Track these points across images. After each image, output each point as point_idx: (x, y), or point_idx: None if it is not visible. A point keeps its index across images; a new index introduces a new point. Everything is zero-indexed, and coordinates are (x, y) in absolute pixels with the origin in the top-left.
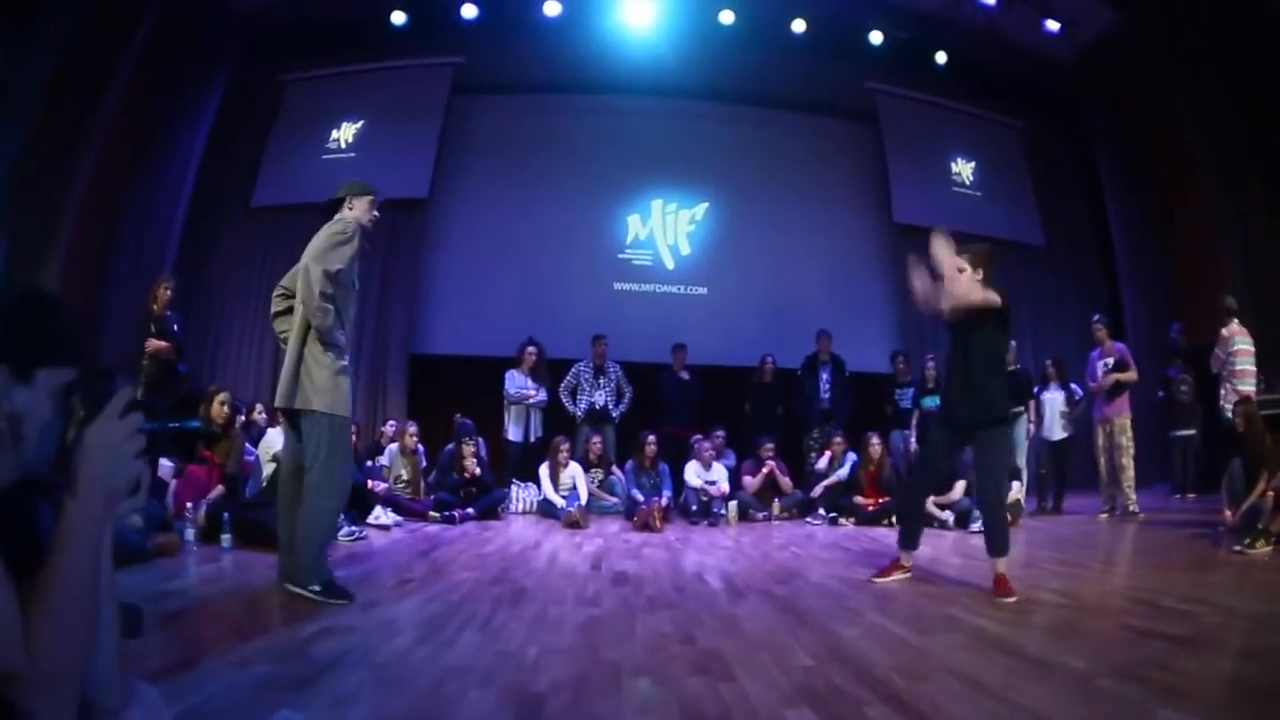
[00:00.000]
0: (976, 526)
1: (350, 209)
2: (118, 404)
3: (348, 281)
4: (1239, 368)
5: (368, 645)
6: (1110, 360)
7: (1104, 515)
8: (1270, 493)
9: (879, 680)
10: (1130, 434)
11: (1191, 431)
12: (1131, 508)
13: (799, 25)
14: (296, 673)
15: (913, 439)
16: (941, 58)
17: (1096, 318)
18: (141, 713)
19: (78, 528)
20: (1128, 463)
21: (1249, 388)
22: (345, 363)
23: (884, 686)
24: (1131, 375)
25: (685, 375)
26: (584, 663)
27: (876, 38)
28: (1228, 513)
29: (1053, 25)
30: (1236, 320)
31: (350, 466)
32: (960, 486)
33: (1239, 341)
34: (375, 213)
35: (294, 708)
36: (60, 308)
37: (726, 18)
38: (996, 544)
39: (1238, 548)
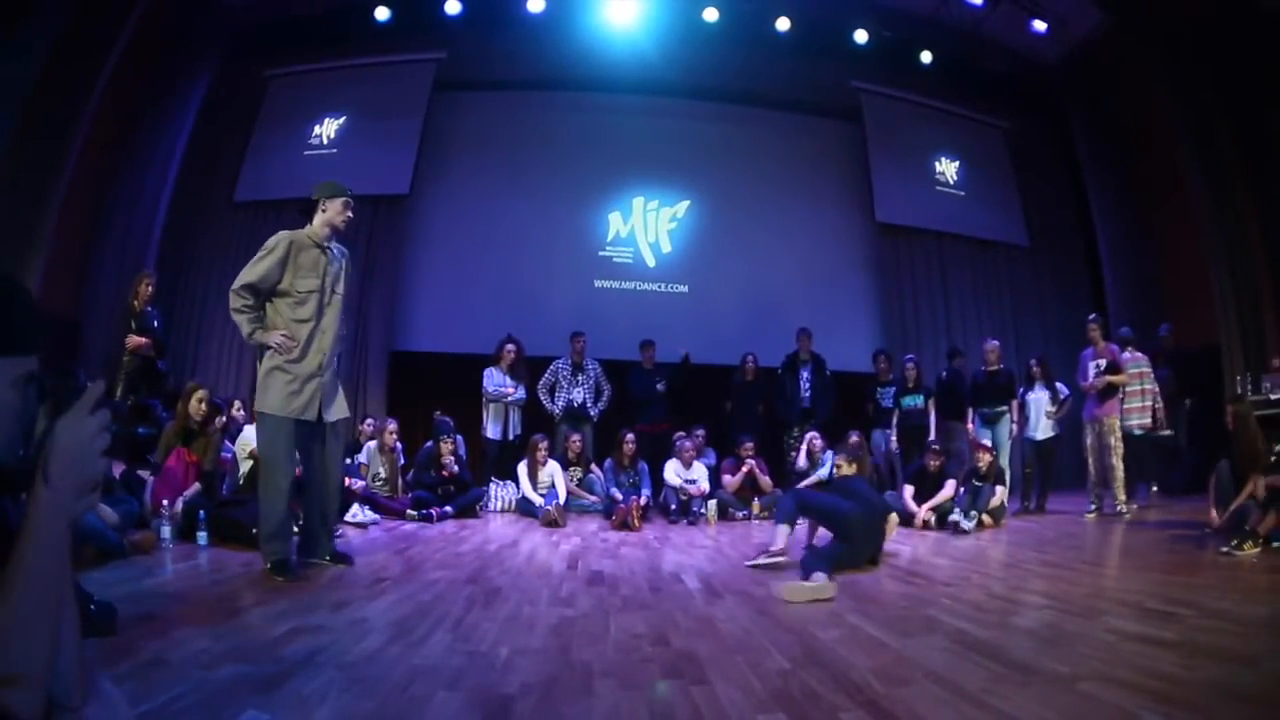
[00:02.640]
0: (965, 525)
1: (324, 211)
2: (89, 399)
3: (271, 286)
4: (1130, 389)
5: (338, 645)
6: (1102, 362)
7: (1089, 515)
8: (1262, 490)
9: (856, 684)
10: (1119, 434)
11: (1169, 432)
12: (1120, 507)
13: (783, 23)
14: (265, 673)
15: (893, 438)
16: (927, 57)
17: (1092, 317)
18: (102, 711)
19: (48, 516)
20: (1117, 463)
21: (1138, 420)
22: (279, 364)
23: (861, 691)
24: (1122, 377)
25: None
26: (555, 664)
27: (861, 36)
28: (1214, 514)
29: (1039, 25)
30: (1131, 348)
31: (280, 463)
32: (950, 487)
33: (1133, 366)
34: (349, 213)
35: (260, 708)
36: (20, 294)
37: (710, 15)
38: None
39: (1225, 549)
